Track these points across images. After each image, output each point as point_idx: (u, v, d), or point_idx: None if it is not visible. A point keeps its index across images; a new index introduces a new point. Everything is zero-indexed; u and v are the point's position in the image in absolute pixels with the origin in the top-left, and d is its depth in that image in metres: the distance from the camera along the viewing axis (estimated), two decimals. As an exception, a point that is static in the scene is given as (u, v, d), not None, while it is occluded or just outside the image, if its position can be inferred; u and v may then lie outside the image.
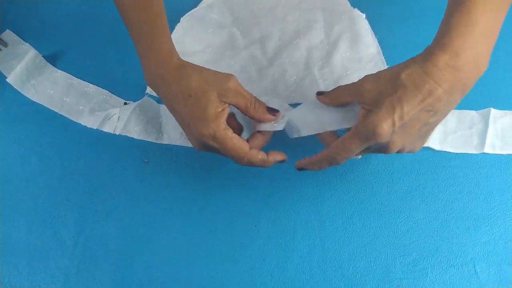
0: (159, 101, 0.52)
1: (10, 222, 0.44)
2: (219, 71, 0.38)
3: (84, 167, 0.47)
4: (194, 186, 0.46)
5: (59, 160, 0.48)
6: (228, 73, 0.37)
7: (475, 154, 0.47)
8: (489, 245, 0.42)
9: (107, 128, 0.50)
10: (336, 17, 0.58)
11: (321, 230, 0.43)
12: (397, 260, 0.41)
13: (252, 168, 0.46)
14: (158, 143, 0.49)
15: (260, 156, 0.37)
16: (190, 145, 0.46)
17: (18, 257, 0.43)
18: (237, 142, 0.36)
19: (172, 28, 0.57)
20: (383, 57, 0.54)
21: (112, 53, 0.57)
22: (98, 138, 0.49)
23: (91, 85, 0.54)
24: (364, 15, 0.58)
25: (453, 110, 0.44)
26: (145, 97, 0.52)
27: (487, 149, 0.46)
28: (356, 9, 0.58)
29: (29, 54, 0.54)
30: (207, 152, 0.39)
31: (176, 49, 0.56)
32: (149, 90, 0.53)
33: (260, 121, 0.38)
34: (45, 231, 0.44)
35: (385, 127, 0.32)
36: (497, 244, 0.42)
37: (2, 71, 0.55)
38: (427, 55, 0.32)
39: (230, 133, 0.36)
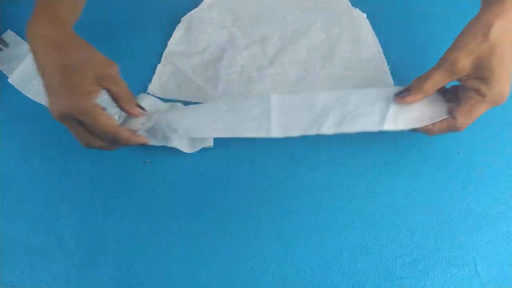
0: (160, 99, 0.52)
1: (11, 222, 0.45)
2: (101, 53, 0.39)
3: (85, 168, 0.47)
4: (195, 186, 0.46)
5: (60, 160, 0.48)
6: (112, 61, 0.38)
7: (477, 154, 0.46)
8: (491, 245, 0.41)
9: (107, 128, 0.50)
10: (336, 17, 0.58)
11: (322, 230, 0.43)
12: (398, 259, 0.41)
13: (254, 168, 0.47)
14: (158, 143, 0.49)
15: (126, 132, 0.39)
16: (184, 148, 0.47)
17: (19, 258, 0.43)
18: (106, 117, 0.37)
19: (173, 28, 0.57)
20: (383, 57, 0.54)
21: (112, 54, 0.57)
22: (99, 138, 0.50)
23: (92, 85, 0.54)
24: (365, 15, 0.58)
25: (355, 90, 0.45)
26: (144, 94, 0.52)
27: (388, 125, 0.42)
28: (357, 9, 0.58)
29: (30, 54, 0.54)
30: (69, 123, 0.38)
31: (177, 49, 0.57)
32: (150, 89, 0.53)
33: (127, 111, 0.40)
34: (46, 232, 0.44)
35: (508, 89, 0.35)
36: (498, 244, 0.41)
37: (3, 72, 0.55)
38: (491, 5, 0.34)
39: (99, 109, 0.37)
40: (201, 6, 0.59)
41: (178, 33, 0.57)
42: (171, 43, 0.57)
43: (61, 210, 0.45)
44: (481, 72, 0.35)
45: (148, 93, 0.52)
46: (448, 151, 0.47)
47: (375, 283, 0.40)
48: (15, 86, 0.53)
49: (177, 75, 0.54)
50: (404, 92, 0.40)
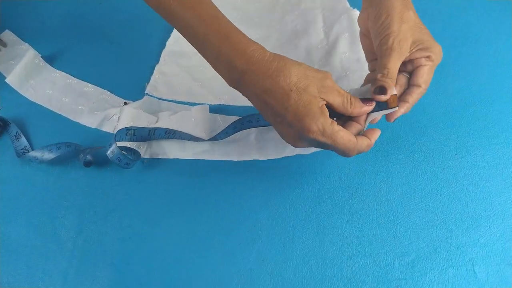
0: (160, 100, 0.52)
1: (9, 222, 0.44)
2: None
3: (83, 167, 0.47)
4: (193, 186, 0.46)
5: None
6: (324, 71, 0.37)
7: (474, 155, 0.47)
8: (488, 245, 0.41)
9: (106, 128, 0.50)
10: (335, 17, 0.58)
11: (320, 230, 0.43)
12: (396, 260, 0.41)
13: (251, 168, 0.47)
14: (157, 144, 0.49)
15: (366, 142, 0.37)
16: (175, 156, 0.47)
17: (17, 258, 0.43)
18: (345, 135, 0.35)
19: (171, 28, 0.57)
20: (382, 58, 0.54)
21: (112, 54, 0.57)
22: (97, 137, 0.49)
23: (90, 84, 0.54)
24: (363, 15, 0.58)
25: None
26: (145, 97, 0.52)
27: None
28: (355, 9, 0.58)
29: (28, 54, 0.54)
30: None
31: (175, 50, 0.57)
32: (148, 90, 0.53)
33: (358, 115, 0.38)
34: (44, 232, 0.44)
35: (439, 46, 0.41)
36: (496, 244, 0.41)
37: (1, 71, 0.55)
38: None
39: (336, 126, 0.35)
40: (200, 6, 0.59)
41: (176, 33, 0.57)
42: (170, 43, 0.57)
43: (59, 210, 0.45)
44: (420, 43, 0.38)
45: (147, 94, 0.52)
46: (445, 152, 0.47)
47: (373, 284, 0.40)
48: (12, 86, 0.53)
49: (176, 75, 0.54)
50: (377, 96, 0.38)
